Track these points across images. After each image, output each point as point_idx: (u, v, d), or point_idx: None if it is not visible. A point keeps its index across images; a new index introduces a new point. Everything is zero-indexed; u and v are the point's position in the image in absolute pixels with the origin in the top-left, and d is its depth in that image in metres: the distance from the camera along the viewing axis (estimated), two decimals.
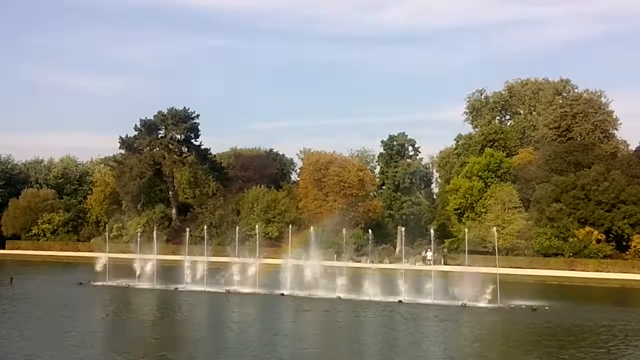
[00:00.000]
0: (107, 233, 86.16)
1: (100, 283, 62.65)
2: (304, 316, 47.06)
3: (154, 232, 74.57)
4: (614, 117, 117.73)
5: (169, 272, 69.38)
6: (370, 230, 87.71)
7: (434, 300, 52.81)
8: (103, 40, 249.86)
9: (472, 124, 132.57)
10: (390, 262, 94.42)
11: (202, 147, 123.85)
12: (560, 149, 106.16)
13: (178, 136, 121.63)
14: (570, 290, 69.96)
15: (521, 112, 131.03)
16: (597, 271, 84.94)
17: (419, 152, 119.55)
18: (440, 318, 45.86)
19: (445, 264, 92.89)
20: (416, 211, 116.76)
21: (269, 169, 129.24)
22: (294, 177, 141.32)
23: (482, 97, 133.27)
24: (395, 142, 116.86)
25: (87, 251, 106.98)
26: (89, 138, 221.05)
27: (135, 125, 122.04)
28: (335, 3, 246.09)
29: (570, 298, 62.31)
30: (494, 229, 71.87)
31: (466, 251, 66.21)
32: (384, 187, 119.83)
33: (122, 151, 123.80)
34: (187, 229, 73.76)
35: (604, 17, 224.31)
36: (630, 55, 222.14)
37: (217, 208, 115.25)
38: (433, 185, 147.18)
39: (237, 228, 76.78)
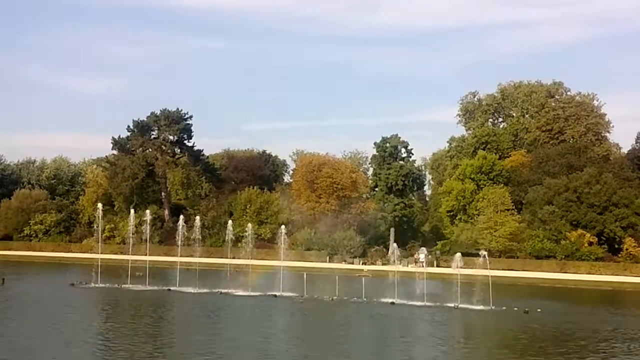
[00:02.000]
0: (99, 234, 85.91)
1: (92, 284, 62.42)
2: (299, 317, 47.03)
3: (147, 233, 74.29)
4: (607, 120, 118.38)
5: (161, 273, 69.24)
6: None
7: (426, 302, 52.77)
8: (97, 40, 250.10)
9: (465, 126, 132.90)
10: (383, 264, 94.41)
11: (195, 148, 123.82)
12: (553, 152, 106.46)
13: (171, 137, 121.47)
14: (562, 293, 70.01)
15: (514, 114, 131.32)
16: (589, 274, 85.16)
17: (412, 154, 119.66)
18: (432, 320, 45.82)
19: (437, 266, 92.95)
20: (409, 213, 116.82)
21: (262, 171, 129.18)
22: (287, 178, 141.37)
23: (475, 99, 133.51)
24: (388, 144, 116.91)
25: (79, 252, 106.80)
26: (81, 139, 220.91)
27: (128, 126, 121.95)
28: (331, 4, 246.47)
29: (563, 300, 62.37)
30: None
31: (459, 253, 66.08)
32: (376, 189, 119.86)
33: (115, 152, 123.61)
34: (180, 230, 73.39)
35: (597, 20, 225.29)
36: (622, 59, 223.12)
37: (210, 209, 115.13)
38: (426, 188, 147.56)
39: (229, 230, 76.38)
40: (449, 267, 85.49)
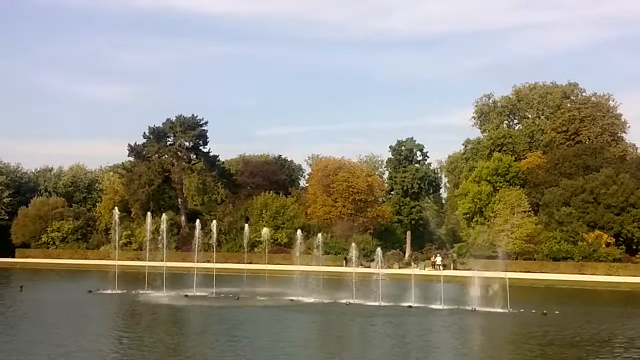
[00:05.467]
0: (116, 241, 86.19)
1: (109, 291, 62.64)
2: (316, 321, 47.00)
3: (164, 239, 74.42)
4: (623, 120, 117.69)
5: (178, 279, 69.41)
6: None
7: (443, 305, 52.68)
8: (112, 47, 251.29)
9: (480, 129, 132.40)
10: (399, 267, 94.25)
11: (211, 153, 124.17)
12: (569, 153, 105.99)
13: (187, 143, 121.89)
14: (580, 294, 69.68)
15: (529, 116, 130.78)
16: (607, 275, 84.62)
17: (427, 157, 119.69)
18: (450, 323, 45.71)
19: (454, 268, 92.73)
20: (425, 216, 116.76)
21: (277, 175, 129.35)
22: (302, 183, 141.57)
23: (490, 101, 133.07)
24: (403, 147, 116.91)
25: (97, 259, 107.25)
26: (98, 146, 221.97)
27: (144, 133, 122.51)
28: (344, 9, 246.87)
29: (581, 302, 62.07)
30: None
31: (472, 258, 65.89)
32: (392, 193, 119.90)
33: (131, 159, 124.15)
34: (197, 235, 73.42)
35: (611, 20, 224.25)
36: (638, 58, 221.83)
37: (226, 215, 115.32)
38: (442, 190, 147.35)
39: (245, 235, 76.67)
40: (466, 269, 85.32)
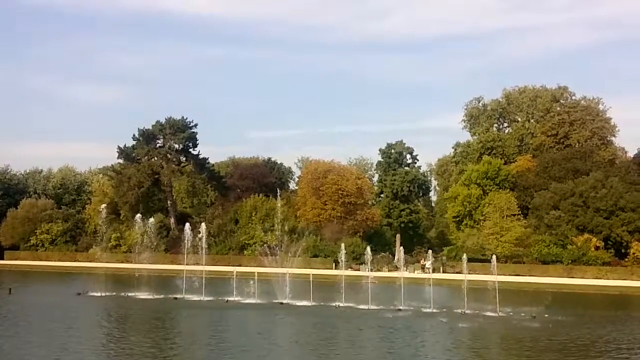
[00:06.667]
0: (105, 243, 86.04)
1: (98, 293, 62.35)
2: (306, 324, 46.89)
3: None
4: (612, 124, 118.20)
5: (167, 281, 69.15)
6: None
7: (432, 308, 52.67)
8: (102, 50, 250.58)
9: (470, 132, 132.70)
10: (389, 270, 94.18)
11: (200, 156, 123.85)
12: (558, 156, 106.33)
13: (176, 145, 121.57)
14: (569, 298, 69.77)
15: (519, 119, 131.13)
16: (596, 278, 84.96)
17: (417, 160, 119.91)
18: (439, 326, 45.66)
19: (444, 272, 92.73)
20: (414, 219, 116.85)
21: (267, 178, 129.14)
22: (292, 185, 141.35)
23: (480, 104, 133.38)
24: (393, 150, 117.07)
25: (86, 261, 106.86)
26: (87, 148, 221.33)
27: (134, 135, 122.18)
28: (335, 12, 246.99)
29: (570, 306, 62.05)
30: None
31: (465, 259, 65.83)
32: (382, 195, 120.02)
33: (121, 161, 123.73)
34: (186, 237, 73.22)
35: (602, 24, 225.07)
36: (628, 63, 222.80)
37: (216, 217, 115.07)
38: (431, 193, 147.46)
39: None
40: (456, 272, 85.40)
